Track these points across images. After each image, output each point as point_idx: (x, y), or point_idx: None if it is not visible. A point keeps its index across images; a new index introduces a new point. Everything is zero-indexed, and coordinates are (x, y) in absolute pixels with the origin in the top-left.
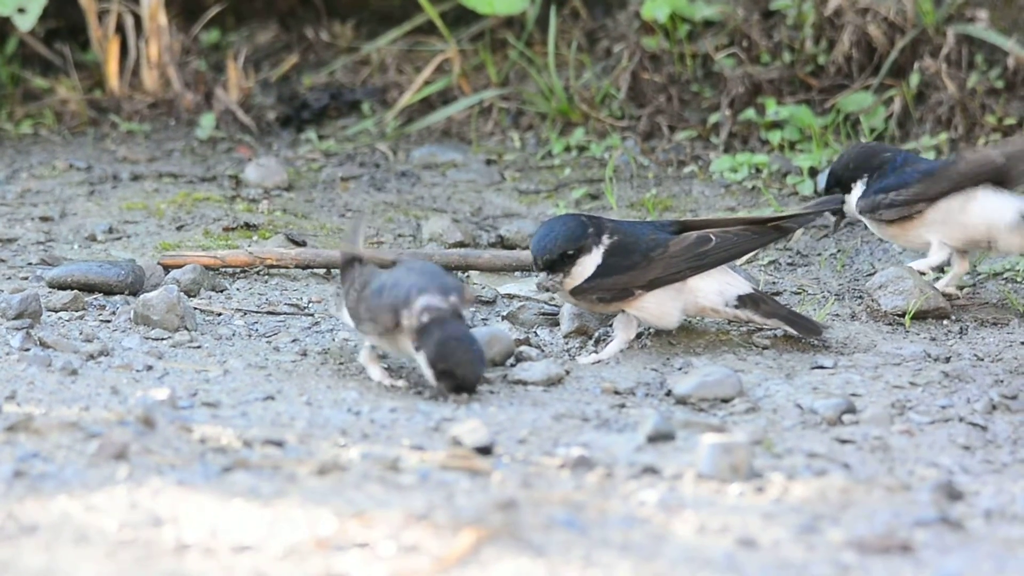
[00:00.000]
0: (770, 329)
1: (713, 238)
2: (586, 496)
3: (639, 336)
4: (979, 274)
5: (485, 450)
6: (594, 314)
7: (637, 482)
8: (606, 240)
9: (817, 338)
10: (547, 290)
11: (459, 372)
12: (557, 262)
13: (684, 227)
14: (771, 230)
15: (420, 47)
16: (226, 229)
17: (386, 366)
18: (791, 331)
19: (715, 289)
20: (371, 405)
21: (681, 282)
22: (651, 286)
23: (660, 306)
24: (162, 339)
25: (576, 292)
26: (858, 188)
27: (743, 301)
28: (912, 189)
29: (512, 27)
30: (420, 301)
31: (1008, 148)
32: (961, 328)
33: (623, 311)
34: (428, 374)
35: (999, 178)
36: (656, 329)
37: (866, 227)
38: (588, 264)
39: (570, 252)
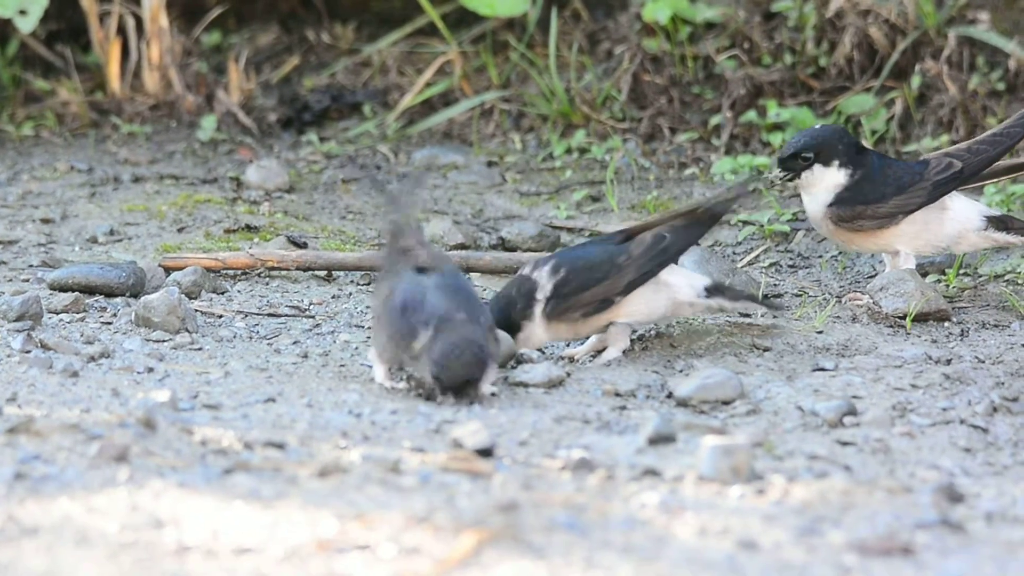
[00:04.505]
0: (740, 313)
1: (667, 235)
2: (587, 498)
3: (640, 338)
4: (980, 276)
5: (486, 452)
6: (580, 340)
7: (638, 484)
8: (546, 292)
9: (781, 313)
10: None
11: (455, 382)
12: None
13: (627, 234)
14: (705, 217)
15: (421, 49)
16: (227, 231)
17: (390, 367)
18: (760, 309)
19: (686, 283)
20: (372, 407)
21: (655, 280)
22: (629, 289)
23: (648, 304)
24: (163, 341)
25: (558, 314)
26: (821, 171)
27: (710, 291)
28: (892, 202)
29: (513, 29)
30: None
31: (961, 152)
32: (962, 330)
33: (612, 323)
34: (430, 378)
35: (961, 183)
36: (652, 329)
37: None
38: (534, 328)
39: (508, 325)
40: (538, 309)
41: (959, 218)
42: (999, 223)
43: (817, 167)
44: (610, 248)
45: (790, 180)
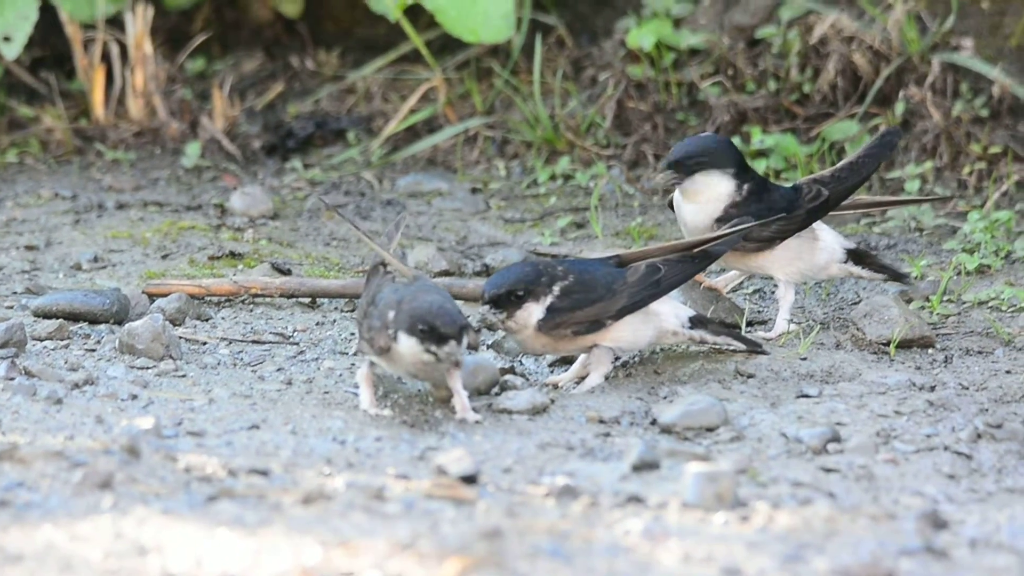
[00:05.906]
0: (720, 347)
1: (661, 267)
2: (571, 525)
3: (624, 365)
4: (964, 303)
5: (470, 479)
6: (558, 353)
7: (622, 511)
8: (556, 289)
9: (759, 352)
10: (488, 327)
11: (439, 323)
12: (503, 299)
13: (621, 260)
14: (703, 255)
15: (405, 75)
16: (211, 258)
17: (377, 392)
18: (739, 346)
19: (673, 313)
20: (356, 434)
21: (644, 309)
22: (620, 315)
23: (634, 332)
24: (147, 368)
25: (549, 328)
26: (716, 177)
27: (694, 322)
28: (775, 226)
29: (497, 55)
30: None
31: (826, 179)
32: (946, 357)
33: (596, 345)
34: (411, 346)
35: (826, 210)
36: (636, 356)
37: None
38: (534, 312)
39: (519, 293)
40: (540, 310)
41: (827, 248)
42: (856, 256)
43: (714, 172)
44: (610, 271)
45: (677, 184)
